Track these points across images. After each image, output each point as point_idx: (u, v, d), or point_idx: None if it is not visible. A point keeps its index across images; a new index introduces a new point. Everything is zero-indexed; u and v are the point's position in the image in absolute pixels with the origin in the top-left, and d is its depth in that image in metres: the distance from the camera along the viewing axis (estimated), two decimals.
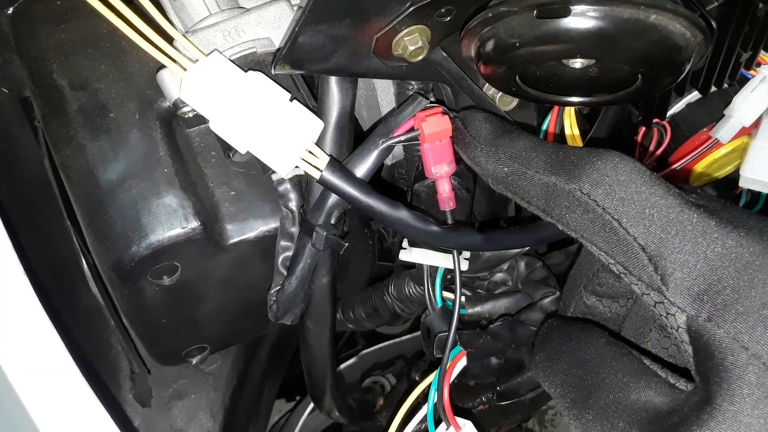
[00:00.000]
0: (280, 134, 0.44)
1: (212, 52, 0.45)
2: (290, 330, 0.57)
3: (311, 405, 0.90)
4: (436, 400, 0.49)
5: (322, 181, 0.44)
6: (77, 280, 0.62)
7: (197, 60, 0.44)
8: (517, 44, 0.38)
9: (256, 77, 0.44)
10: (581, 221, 0.37)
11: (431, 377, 0.51)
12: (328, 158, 0.45)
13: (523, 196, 0.41)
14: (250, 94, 0.44)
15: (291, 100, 0.45)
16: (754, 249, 0.32)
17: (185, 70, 0.43)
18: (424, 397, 0.54)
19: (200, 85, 0.43)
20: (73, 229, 0.61)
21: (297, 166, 0.45)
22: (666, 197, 0.35)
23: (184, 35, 0.44)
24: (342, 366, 0.88)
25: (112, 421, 0.46)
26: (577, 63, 0.41)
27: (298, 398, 1.00)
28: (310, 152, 0.45)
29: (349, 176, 0.44)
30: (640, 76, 0.41)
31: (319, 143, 0.46)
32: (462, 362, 0.50)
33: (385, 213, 0.44)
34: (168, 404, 0.66)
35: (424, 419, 0.53)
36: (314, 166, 0.44)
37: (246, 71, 0.44)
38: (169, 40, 0.43)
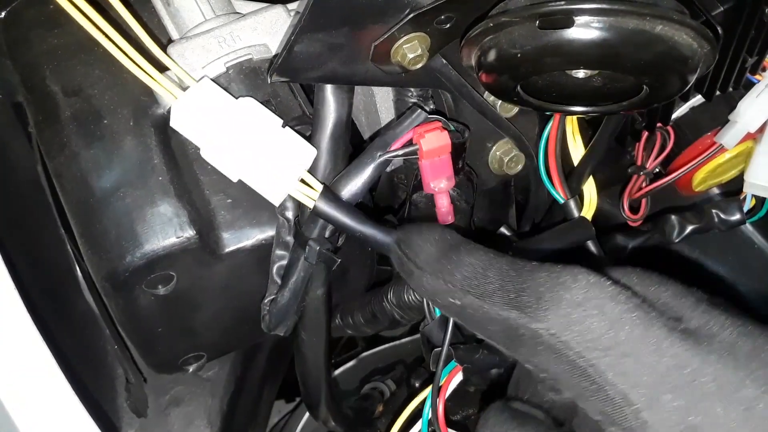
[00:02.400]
0: (273, 163, 0.43)
1: (202, 78, 0.45)
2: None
3: None
4: (431, 416, 0.49)
5: (315, 212, 0.44)
6: (71, 288, 0.61)
7: (188, 87, 0.43)
8: (519, 55, 0.37)
9: (248, 104, 0.43)
10: (552, 366, 0.33)
11: (429, 389, 0.50)
12: (321, 187, 0.44)
13: (482, 333, 0.36)
14: (241, 121, 0.43)
15: (283, 126, 0.44)
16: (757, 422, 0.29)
17: (176, 98, 0.43)
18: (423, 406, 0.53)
19: (190, 113, 0.42)
20: (67, 236, 0.60)
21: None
22: (647, 334, 0.31)
23: (174, 61, 0.44)
24: (341, 369, 0.88)
25: (98, 428, 0.45)
26: (581, 73, 0.40)
27: (298, 399, 0.99)
28: (303, 181, 0.44)
29: (343, 205, 0.44)
30: (645, 86, 0.40)
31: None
32: (458, 377, 0.49)
33: (379, 242, 0.43)
34: (165, 411, 0.65)
35: None
36: (308, 196, 0.44)
37: (237, 98, 0.44)
38: (162, 68, 0.42)
